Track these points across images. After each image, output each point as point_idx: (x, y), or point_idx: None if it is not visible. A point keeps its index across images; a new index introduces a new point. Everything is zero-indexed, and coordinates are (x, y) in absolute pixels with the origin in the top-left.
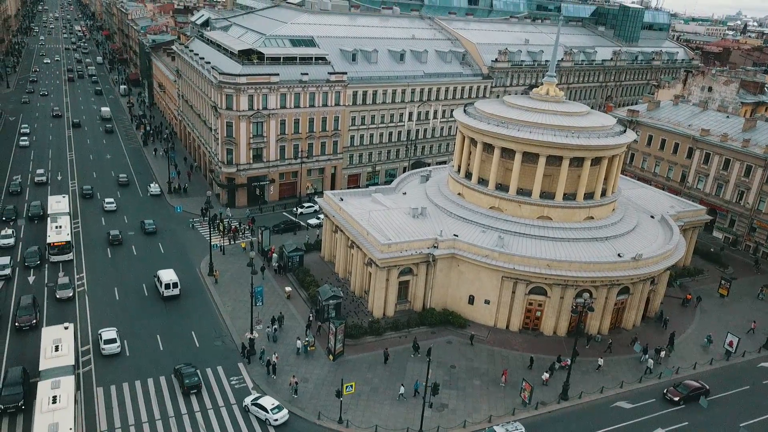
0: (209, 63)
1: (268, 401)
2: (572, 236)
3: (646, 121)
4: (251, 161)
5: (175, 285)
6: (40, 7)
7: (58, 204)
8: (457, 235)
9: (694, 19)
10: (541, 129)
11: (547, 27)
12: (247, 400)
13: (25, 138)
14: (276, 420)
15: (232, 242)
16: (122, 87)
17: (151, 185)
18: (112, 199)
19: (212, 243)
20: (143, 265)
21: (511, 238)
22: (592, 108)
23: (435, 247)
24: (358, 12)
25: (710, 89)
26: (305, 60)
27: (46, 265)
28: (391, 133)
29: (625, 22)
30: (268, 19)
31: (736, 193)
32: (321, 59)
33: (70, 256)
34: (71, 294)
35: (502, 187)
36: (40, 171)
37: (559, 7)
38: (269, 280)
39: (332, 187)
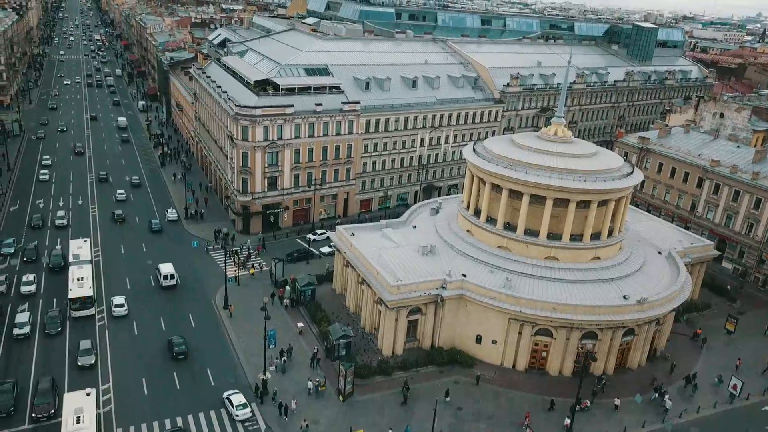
0: (226, 92)
1: (236, 398)
2: (578, 277)
3: (657, 149)
4: (266, 189)
5: (171, 276)
6: (60, 14)
7: (80, 249)
8: (465, 275)
9: (712, 23)
10: (548, 172)
11: (560, 47)
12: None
13: (45, 172)
14: (237, 416)
15: (244, 268)
16: (141, 103)
17: (169, 210)
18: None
19: (227, 274)
20: (162, 298)
21: (518, 279)
22: (603, 128)
23: (444, 287)
24: (372, 37)
25: (722, 115)
26: (319, 90)
27: (68, 328)
28: (403, 159)
29: (639, 41)
30: (283, 44)
31: (746, 225)
32: (335, 88)
33: (92, 311)
34: (93, 361)
35: (509, 226)
36: (60, 213)
37: (573, 26)
38: (282, 313)
39: (345, 212)
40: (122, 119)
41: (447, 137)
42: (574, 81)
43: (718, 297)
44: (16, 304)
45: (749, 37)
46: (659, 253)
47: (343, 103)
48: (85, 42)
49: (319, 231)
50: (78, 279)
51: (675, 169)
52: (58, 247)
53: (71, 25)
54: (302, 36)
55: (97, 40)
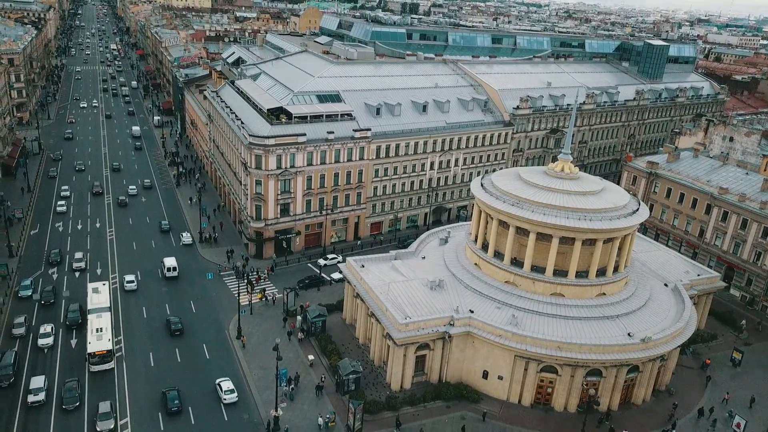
0: (240, 119)
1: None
2: (583, 314)
3: (666, 174)
4: (278, 216)
5: (174, 269)
6: (77, 21)
7: (97, 295)
8: (472, 311)
9: (728, 25)
10: (554, 211)
11: (571, 65)
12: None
13: (63, 204)
14: (225, 399)
15: (253, 291)
16: (156, 118)
17: (184, 234)
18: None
19: (240, 303)
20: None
21: (525, 316)
22: (614, 146)
23: (451, 324)
24: (383, 60)
25: (731, 139)
26: (331, 117)
27: (86, 383)
28: (413, 182)
29: (650, 59)
30: (295, 68)
31: (754, 254)
32: (346, 115)
33: (111, 365)
34: (112, 426)
35: (516, 261)
36: (78, 255)
37: (583, 43)
38: (294, 344)
39: (356, 235)
40: (136, 128)
41: (457, 160)
42: (584, 102)
43: (724, 327)
44: (33, 360)
45: (765, 41)
46: (665, 285)
47: (355, 130)
48: (101, 49)
49: (330, 256)
50: (97, 330)
51: (683, 194)
52: (76, 304)
53: (87, 35)
54: (314, 59)
55: (113, 49)
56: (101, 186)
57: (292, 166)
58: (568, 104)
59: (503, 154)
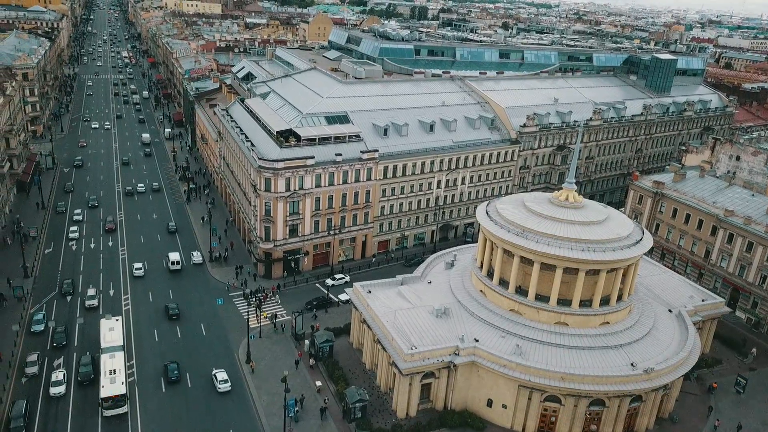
0: (249, 141)
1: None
2: (587, 344)
3: (671, 194)
4: (287, 237)
5: (177, 263)
6: (89, 28)
7: (111, 333)
8: (477, 340)
9: (739, 27)
10: (558, 241)
11: (578, 80)
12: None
13: (75, 230)
14: (220, 388)
15: (260, 310)
16: (167, 131)
17: (194, 253)
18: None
19: (250, 327)
20: (191, 342)
21: (529, 345)
22: (621, 161)
23: (456, 354)
24: (391, 78)
25: (738, 158)
26: (339, 138)
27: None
28: (420, 201)
29: (657, 72)
30: (304, 87)
31: (759, 276)
32: (354, 136)
33: (125, 409)
34: None
35: (521, 290)
36: (91, 292)
37: (591, 57)
38: (301, 368)
39: (363, 254)
40: (146, 135)
41: (463, 178)
42: (591, 118)
43: (730, 351)
44: (45, 409)
45: None
46: (670, 311)
47: (362, 152)
48: (112, 54)
49: (337, 276)
50: (110, 372)
51: (689, 215)
52: (87, 355)
53: (99, 43)
54: (323, 77)
55: (125, 57)
56: (114, 222)
57: (301, 188)
58: (575, 121)
59: (510, 171)
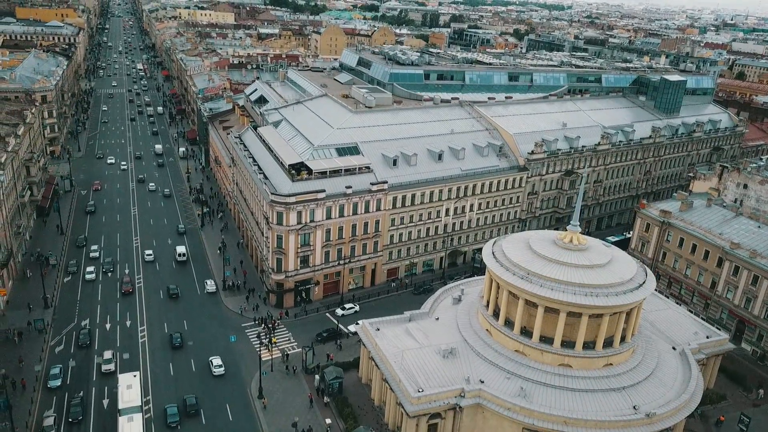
0: (262, 172)
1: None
2: (590, 386)
3: (678, 224)
4: (298, 268)
5: (183, 254)
6: (105, 38)
7: (129, 391)
8: (483, 381)
9: (754, 30)
10: (562, 286)
11: (586, 102)
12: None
13: (92, 270)
14: (215, 372)
15: (266, 338)
16: (181, 150)
17: (208, 282)
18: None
19: (261, 360)
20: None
21: (533, 387)
22: (629, 183)
23: (462, 396)
24: (401, 107)
25: (746, 186)
26: (349, 171)
27: None
28: (428, 229)
29: (666, 94)
30: (315, 116)
31: (765, 310)
32: (364, 168)
33: None
34: None
35: (526, 331)
36: (107, 355)
37: (600, 77)
38: (313, 407)
39: (372, 281)
40: (159, 146)
41: (472, 206)
42: (599, 143)
43: (735, 385)
44: None
45: None
46: (674, 348)
47: (372, 183)
48: (127, 62)
49: (347, 305)
50: None
51: (696, 245)
52: None
53: (115, 56)
54: (333, 106)
55: (140, 69)
56: (131, 284)
57: (312, 221)
58: (583, 146)
59: (518, 197)
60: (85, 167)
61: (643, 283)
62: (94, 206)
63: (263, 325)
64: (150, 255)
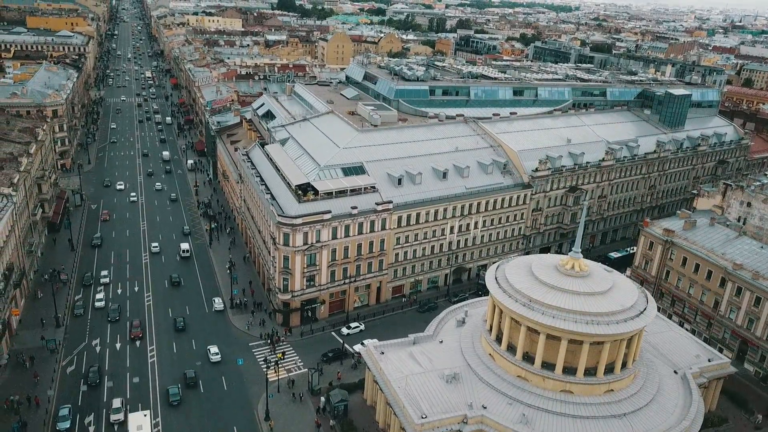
0: (269, 192)
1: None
2: (591, 413)
3: (681, 243)
4: (304, 287)
5: (186, 251)
6: (114, 45)
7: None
8: (485, 407)
9: (763, 32)
10: (563, 314)
11: (591, 117)
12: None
13: (101, 299)
14: (212, 359)
15: (278, 366)
16: (189, 162)
17: (215, 300)
18: None
19: (268, 381)
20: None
21: (535, 413)
22: (634, 198)
23: (465, 422)
24: (406, 125)
25: (749, 204)
26: (355, 191)
27: None
28: (433, 246)
29: (671, 107)
30: (322, 134)
31: (767, 332)
32: (370, 187)
33: None
34: None
35: (528, 356)
36: (116, 404)
37: (605, 91)
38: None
39: (377, 299)
40: (166, 153)
41: (476, 223)
42: (603, 159)
43: (737, 408)
44: None
45: None
46: (675, 372)
47: (377, 203)
48: (136, 68)
49: (353, 324)
50: None
51: (699, 265)
52: None
53: (123, 66)
54: (339, 124)
55: (148, 78)
56: (141, 328)
57: (318, 241)
58: (587, 162)
59: (522, 214)
60: (95, 180)
61: (644, 310)
62: (100, 239)
63: (270, 342)
64: (156, 246)
